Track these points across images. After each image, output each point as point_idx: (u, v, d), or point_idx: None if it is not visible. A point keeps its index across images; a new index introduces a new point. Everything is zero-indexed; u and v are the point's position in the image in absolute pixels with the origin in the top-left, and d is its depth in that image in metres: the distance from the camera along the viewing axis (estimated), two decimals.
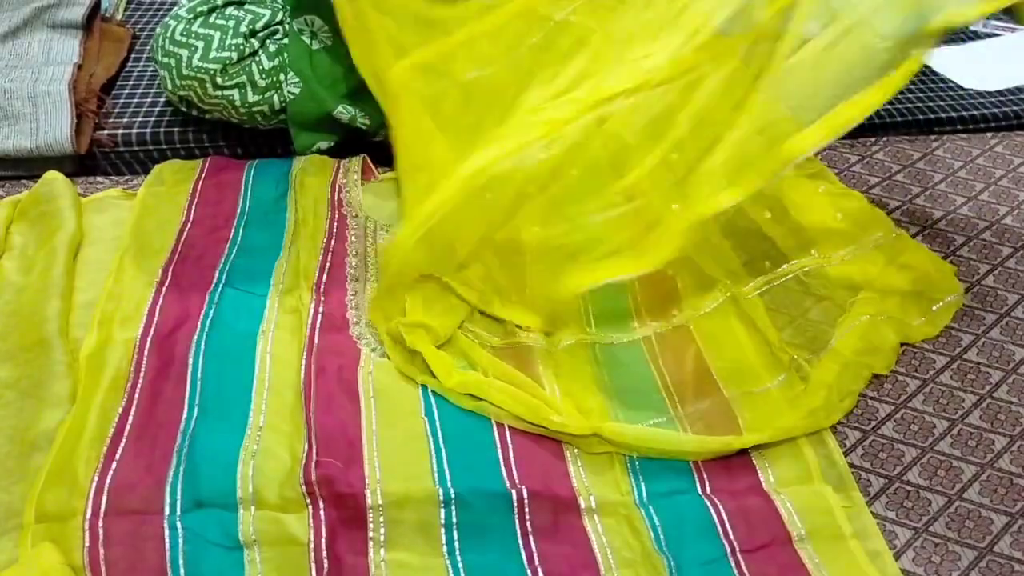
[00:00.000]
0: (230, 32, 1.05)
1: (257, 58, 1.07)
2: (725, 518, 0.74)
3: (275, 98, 1.09)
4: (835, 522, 0.74)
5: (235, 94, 1.06)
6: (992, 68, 1.39)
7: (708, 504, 0.75)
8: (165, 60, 1.05)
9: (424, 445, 0.79)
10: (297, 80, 1.08)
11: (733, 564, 0.71)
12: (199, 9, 1.06)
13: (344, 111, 1.11)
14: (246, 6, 1.08)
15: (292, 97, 1.08)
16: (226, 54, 1.04)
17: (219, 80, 1.04)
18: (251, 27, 1.06)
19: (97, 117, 1.14)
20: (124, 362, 0.85)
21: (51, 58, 1.22)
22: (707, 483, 0.77)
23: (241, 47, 1.05)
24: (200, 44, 1.04)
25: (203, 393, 0.82)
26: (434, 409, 0.83)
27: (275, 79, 1.07)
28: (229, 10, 1.07)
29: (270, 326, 0.90)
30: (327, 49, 1.09)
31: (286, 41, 1.08)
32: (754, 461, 0.79)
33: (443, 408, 0.83)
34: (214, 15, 1.06)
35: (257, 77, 1.07)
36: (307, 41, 1.08)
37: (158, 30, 1.08)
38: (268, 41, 1.08)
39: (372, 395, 0.84)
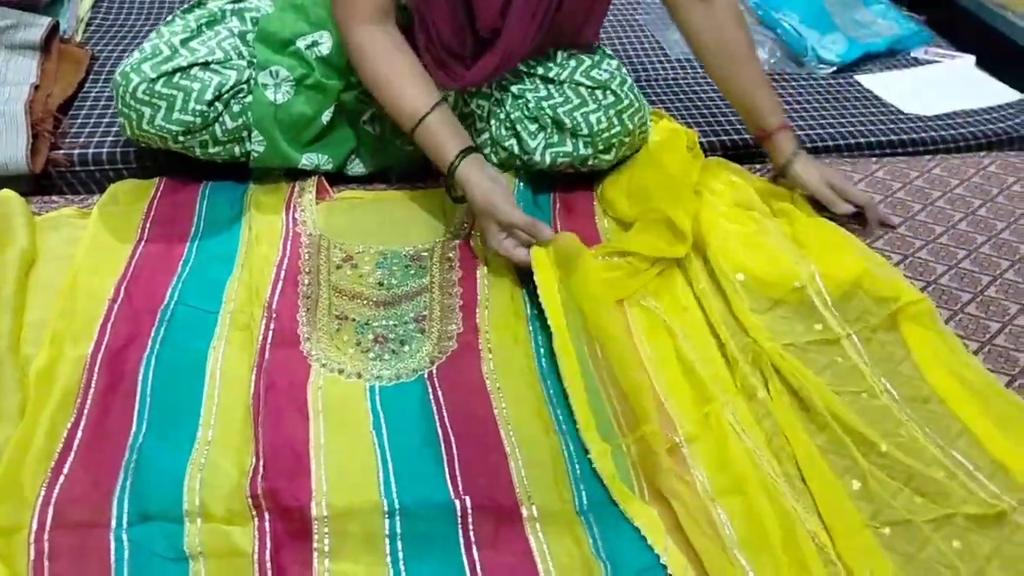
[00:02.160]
0: (194, 96, 1.03)
1: (220, 119, 1.07)
2: (662, 528, 0.76)
3: (236, 150, 1.10)
4: (765, 532, 0.76)
5: (196, 147, 1.08)
6: (932, 94, 1.44)
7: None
8: (126, 111, 1.05)
9: (371, 458, 0.81)
10: (261, 139, 1.09)
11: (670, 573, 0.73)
12: (163, 68, 1.03)
13: (308, 162, 1.13)
14: (212, 66, 1.05)
15: (257, 155, 1.10)
16: (189, 118, 1.04)
17: (180, 139, 1.06)
18: (217, 92, 1.05)
19: (53, 137, 1.15)
20: (74, 378, 0.85)
21: (8, 78, 1.23)
22: (645, 492, 0.79)
23: (205, 113, 1.05)
24: (163, 104, 1.04)
25: (152, 408, 0.83)
26: (382, 424, 0.84)
27: (238, 135, 1.09)
28: (195, 71, 1.04)
29: (221, 342, 0.91)
30: (290, 102, 1.09)
31: (249, 99, 1.08)
32: (691, 468, 0.81)
33: (391, 423, 0.85)
34: (178, 75, 1.04)
35: (219, 135, 1.08)
36: (271, 96, 1.08)
37: (117, 77, 1.04)
38: (232, 101, 1.07)
39: (321, 410, 0.85)
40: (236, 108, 1.07)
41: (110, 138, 1.17)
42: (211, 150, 1.08)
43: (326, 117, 1.11)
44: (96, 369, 0.86)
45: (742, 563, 0.74)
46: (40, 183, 1.14)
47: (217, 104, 1.05)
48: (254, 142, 1.09)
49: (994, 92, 1.47)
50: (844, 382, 0.91)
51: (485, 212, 1.00)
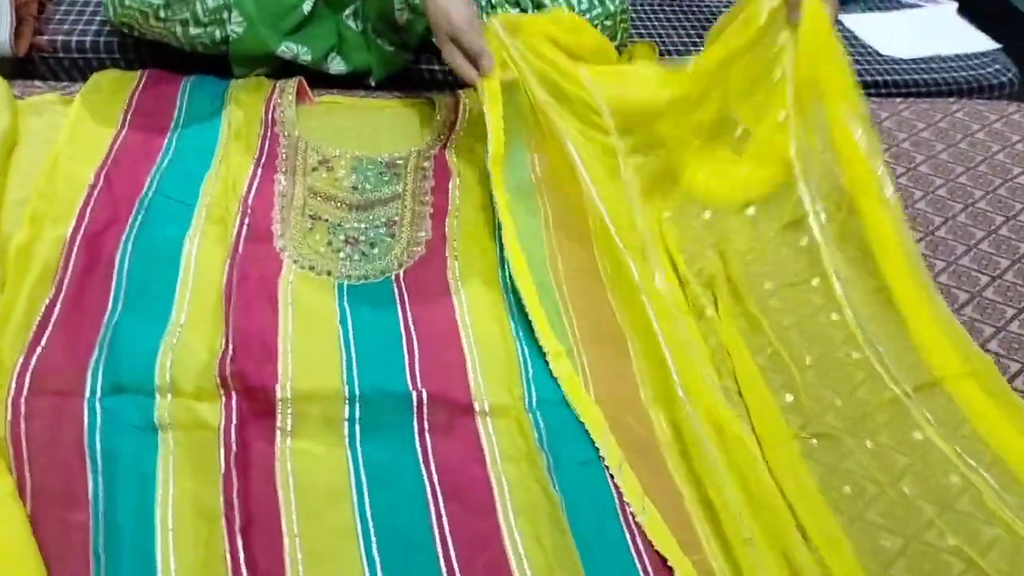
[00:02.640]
0: None
1: None
2: (605, 426, 0.81)
3: (217, 32, 1.12)
4: (698, 435, 0.82)
5: (176, 27, 1.09)
6: (909, 38, 1.46)
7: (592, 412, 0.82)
8: None
9: (335, 350, 0.85)
10: (241, 20, 1.10)
11: (606, 466, 0.79)
12: None
13: (287, 49, 1.14)
14: None
15: (235, 36, 1.11)
16: None
17: (161, 14, 1.07)
18: None
19: (37, 22, 1.16)
20: (53, 257, 0.88)
21: None
22: (592, 394, 0.85)
23: None
24: None
25: (128, 290, 0.87)
26: (348, 319, 0.89)
27: (218, 16, 1.10)
28: None
29: (196, 233, 0.94)
30: None
31: None
32: (636, 376, 0.86)
33: (356, 318, 0.89)
34: None
35: (200, 15, 1.09)
36: None
37: None
38: None
39: (290, 302, 0.89)
40: None
41: (94, 27, 1.18)
42: (192, 31, 1.09)
43: (307, 6, 1.13)
44: (75, 250, 0.89)
45: (673, 460, 0.80)
46: (23, 68, 1.15)
47: None
48: (233, 23, 1.10)
49: (971, 40, 1.49)
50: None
51: (438, 16, 1.00)
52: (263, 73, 1.17)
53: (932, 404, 0.85)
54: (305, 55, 1.15)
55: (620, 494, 0.76)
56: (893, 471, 0.81)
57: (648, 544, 0.73)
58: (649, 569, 0.72)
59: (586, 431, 0.81)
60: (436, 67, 1.28)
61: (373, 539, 0.72)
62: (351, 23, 1.19)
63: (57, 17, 1.19)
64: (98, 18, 1.20)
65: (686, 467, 0.80)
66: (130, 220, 0.94)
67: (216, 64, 1.17)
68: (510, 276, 0.95)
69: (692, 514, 0.77)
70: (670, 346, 0.87)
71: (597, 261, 0.98)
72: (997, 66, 1.45)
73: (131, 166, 1.01)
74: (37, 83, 1.15)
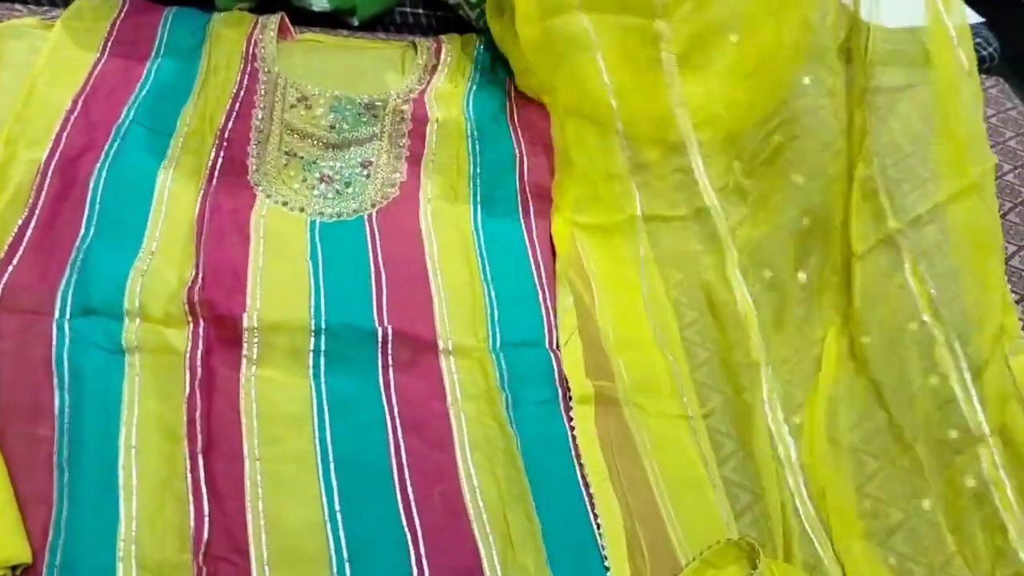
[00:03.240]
0: None
1: None
2: (563, 368, 0.84)
3: None
4: (656, 379, 0.84)
5: None
6: (893, 7, 1.46)
7: (552, 356, 0.85)
8: None
9: (305, 283, 0.86)
10: None
11: (562, 407, 0.81)
12: None
13: None
14: None
15: None
16: None
17: None
18: None
19: None
20: (27, 180, 0.89)
21: None
22: (555, 338, 0.87)
23: None
24: None
25: (101, 216, 0.88)
26: (319, 255, 0.90)
27: None
28: None
29: (172, 163, 0.95)
30: None
31: None
32: (599, 323, 0.89)
33: (327, 255, 0.90)
34: None
35: None
36: None
37: None
38: None
39: (262, 236, 0.90)
40: None
41: None
42: None
43: None
44: (49, 174, 0.90)
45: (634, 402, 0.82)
46: None
47: None
48: None
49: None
50: None
51: None
52: (246, 7, 1.16)
53: None
54: None
55: (574, 434, 0.79)
56: None
57: None
58: (597, 503, 0.75)
59: (545, 374, 0.83)
60: (420, 10, 1.28)
61: (332, 465, 0.74)
62: None
63: None
64: None
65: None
66: (106, 147, 0.94)
67: None
68: (481, 220, 0.96)
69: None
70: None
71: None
72: (978, 40, 1.46)
73: (109, 94, 1.01)
74: (18, 7, 1.14)
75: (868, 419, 0.87)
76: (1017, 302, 1.02)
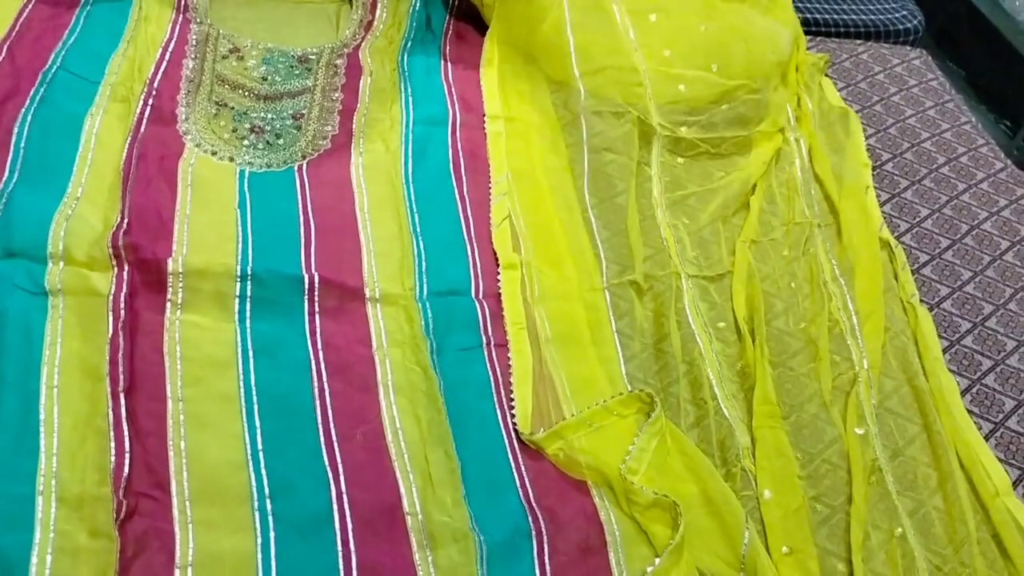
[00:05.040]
0: None
1: None
2: (488, 318, 0.86)
3: None
4: (578, 331, 0.87)
5: None
6: None
7: (477, 305, 0.87)
8: None
9: (232, 231, 0.87)
10: None
11: (486, 354, 0.83)
12: None
13: None
14: None
15: None
16: None
17: None
18: None
19: None
20: None
21: None
22: (481, 288, 0.89)
23: None
24: None
25: (25, 161, 0.87)
26: (247, 204, 0.91)
27: None
28: None
29: (99, 110, 0.94)
30: None
31: None
32: (524, 274, 0.91)
33: (256, 204, 0.91)
34: None
35: None
36: None
37: None
38: None
39: (190, 184, 0.91)
40: None
41: None
42: None
43: None
44: None
45: (552, 354, 0.85)
46: None
47: None
48: None
49: None
50: None
51: None
52: None
53: None
54: None
55: (496, 378, 0.81)
56: None
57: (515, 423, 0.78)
58: (516, 446, 0.77)
59: (469, 322, 0.85)
60: None
61: (256, 406, 0.75)
62: None
63: None
64: None
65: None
66: (31, 93, 0.94)
67: None
68: (411, 172, 0.98)
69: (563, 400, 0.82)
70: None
71: None
72: (905, 12, 1.51)
73: (36, 40, 1.00)
74: None
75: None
76: (927, 262, 1.07)
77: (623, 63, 1.12)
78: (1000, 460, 0.86)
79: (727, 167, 1.10)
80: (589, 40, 1.12)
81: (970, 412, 0.90)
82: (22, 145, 0.88)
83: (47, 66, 0.97)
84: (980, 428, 0.89)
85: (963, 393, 0.92)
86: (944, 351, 0.95)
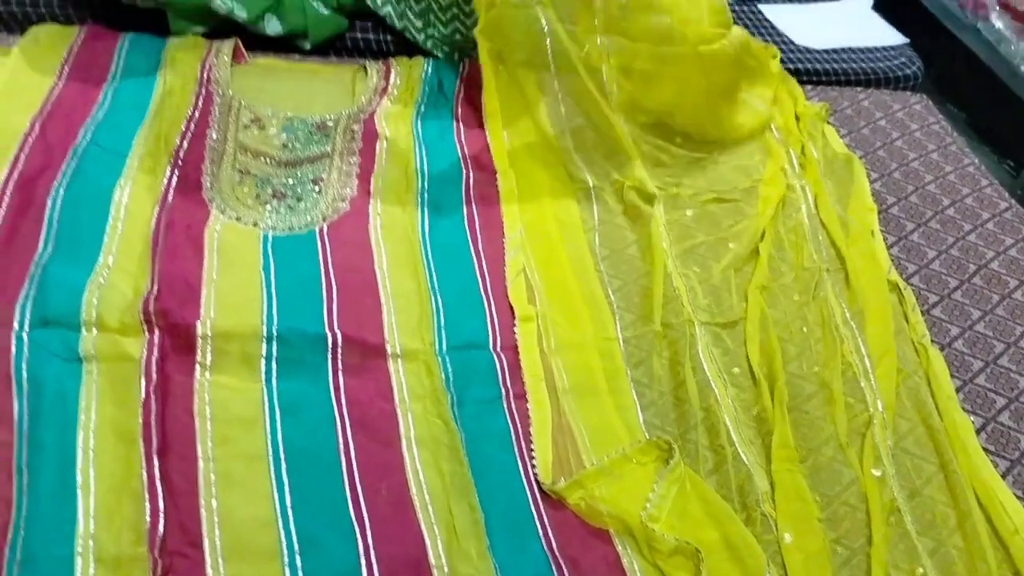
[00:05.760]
0: None
1: None
2: (506, 370, 0.88)
3: None
4: (595, 380, 0.89)
5: None
6: (824, 30, 1.55)
7: (495, 358, 0.89)
8: None
9: (257, 293, 0.90)
10: None
11: (505, 405, 0.85)
12: None
13: (222, 4, 1.18)
14: None
15: None
16: None
17: None
18: None
19: None
20: None
21: None
22: (498, 341, 0.91)
23: None
24: None
25: (58, 233, 0.91)
26: (271, 266, 0.94)
27: None
28: None
29: (127, 182, 0.98)
30: None
31: None
32: (540, 325, 0.93)
33: (279, 266, 0.94)
34: None
35: None
36: None
37: None
38: None
39: (215, 249, 0.94)
40: None
41: None
42: None
43: None
44: (8, 193, 0.93)
45: (570, 404, 0.87)
46: None
47: None
48: None
49: (882, 34, 1.58)
50: None
51: None
52: (200, 33, 1.20)
53: None
54: (240, 11, 1.19)
55: (516, 429, 0.83)
56: None
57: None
58: (538, 495, 0.79)
59: (488, 374, 0.87)
60: (370, 35, 1.33)
61: (283, 463, 0.77)
62: None
63: None
64: None
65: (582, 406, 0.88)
66: (63, 167, 0.98)
67: (154, 23, 1.20)
68: (428, 231, 1.01)
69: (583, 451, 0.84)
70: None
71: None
72: (903, 59, 1.54)
73: (66, 116, 1.04)
74: None
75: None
76: (936, 303, 1.08)
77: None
78: (1018, 498, 0.86)
79: (735, 215, 1.13)
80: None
81: (986, 450, 0.91)
82: (55, 218, 0.92)
83: (77, 141, 1.01)
84: (997, 466, 0.89)
85: (978, 432, 0.93)
86: (957, 390, 0.96)
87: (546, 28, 1.17)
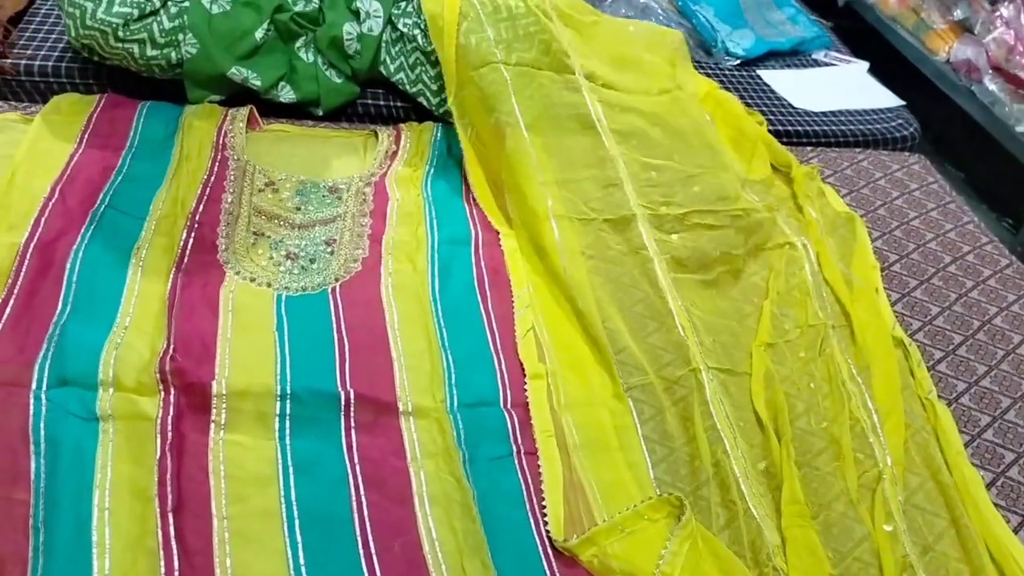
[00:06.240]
0: None
1: (158, 17, 1.16)
2: (517, 427, 0.89)
3: (172, 54, 1.19)
4: (605, 437, 0.90)
5: (135, 48, 1.17)
6: (822, 93, 1.59)
7: (506, 415, 0.90)
8: (70, 10, 1.13)
9: (271, 353, 0.91)
10: (195, 41, 1.19)
11: (516, 463, 0.86)
12: None
13: (237, 72, 1.22)
14: None
15: (189, 56, 1.20)
16: (128, 9, 1.13)
17: (120, 34, 1.14)
18: None
19: (2, 46, 1.23)
20: (7, 262, 0.94)
21: None
22: (508, 398, 0.92)
23: (142, 5, 1.14)
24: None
25: (77, 294, 0.93)
26: (285, 326, 0.95)
27: (174, 38, 1.18)
28: None
29: (145, 244, 1.01)
30: (225, 14, 1.20)
31: (187, 3, 1.18)
32: (550, 382, 0.94)
33: (292, 326, 0.95)
34: None
35: (157, 35, 1.17)
36: (207, 5, 1.19)
37: None
38: (170, 2, 1.17)
39: (230, 310, 0.96)
40: (174, 10, 1.17)
41: (56, 52, 1.25)
42: (149, 52, 1.17)
43: (259, 34, 1.21)
44: (28, 256, 0.95)
45: (581, 460, 0.87)
46: None
47: (155, 0, 1.15)
48: (188, 44, 1.18)
49: (878, 96, 1.63)
50: None
51: None
52: (216, 101, 1.24)
53: None
54: (255, 80, 1.23)
55: (527, 486, 0.84)
56: None
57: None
58: (550, 553, 0.79)
59: (499, 431, 0.88)
60: (381, 102, 1.37)
61: (297, 522, 0.78)
62: (302, 54, 1.28)
63: (21, 42, 1.26)
64: (61, 44, 1.27)
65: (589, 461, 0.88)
66: (82, 231, 1.00)
67: (171, 91, 1.24)
68: (438, 291, 1.03)
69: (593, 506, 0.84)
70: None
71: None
72: (900, 121, 1.58)
73: (86, 182, 1.07)
74: None
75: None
76: (941, 359, 1.09)
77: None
78: None
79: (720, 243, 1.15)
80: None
81: (997, 505, 0.91)
82: (74, 280, 0.94)
83: (96, 205, 1.04)
84: (1008, 521, 0.90)
85: (988, 486, 0.93)
86: (966, 445, 0.97)
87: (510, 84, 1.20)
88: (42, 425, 0.79)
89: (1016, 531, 0.89)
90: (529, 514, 0.82)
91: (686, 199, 1.17)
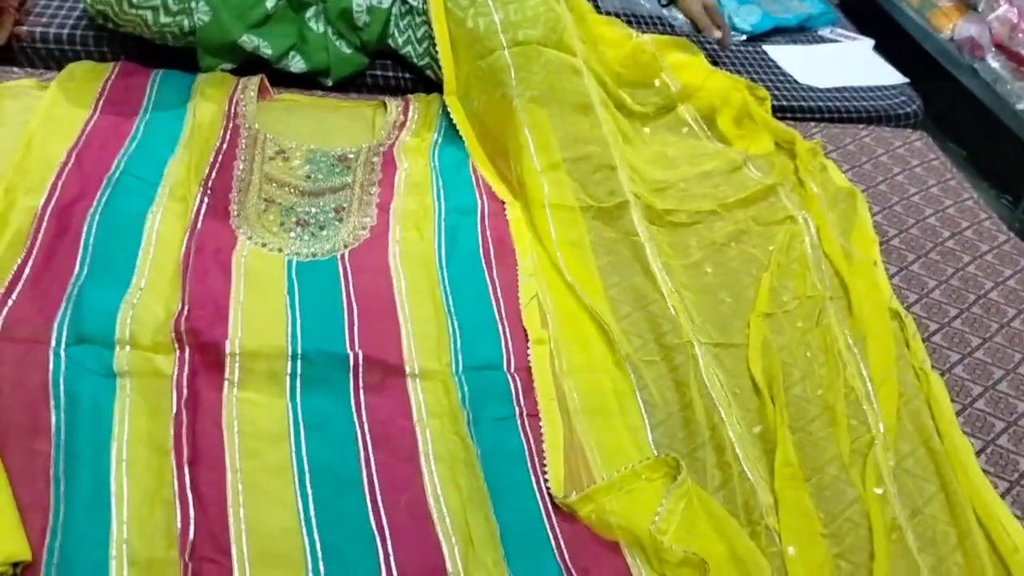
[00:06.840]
0: None
1: None
2: (520, 390, 0.92)
3: (185, 22, 1.21)
4: (605, 401, 0.92)
5: (148, 14, 1.19)
6: (827, 69, 1.60)
7: (509, 378, 0.93)
8: None
9: (282, 314, 0.94)
10: (207, 9, 1.21)
11: (519, 424, 0.89)
12: None
13: (248, 40, 1.24)
14: None
15: (201, 24, 1.21)
16: None
17: (134, 0, 1.16)
18: None
19: (19, 13, 1.24)
20: (25, 225, 0.97)
21: None
22: (512, 362, 0.95)
23: None
24: None
25: (93, 256, 0.95)
26: (295, 289, 0.98)
27: (187, 5, 1.20)
28: None
29: (159, 209, 1.03)
30: None
31: None
32: (552, 349, 0.97)
33: (303, 290, 0.98)
34: None
35: (170, 2, 1.19)
36: None
37: None
38: None
39: (243, 273, 0.98)
40: None
41: (71, 20, 1.27)
42: (162, 19, 1.19)
43: (271, 3, 1.24)
44: (46, 219, 0.97)
45: (581, 423, 0.90)
46: (2, 55, 1.23)
47: None
48: (200, 12, 1.20)
49: (883, 73, 1.64)
50: None
51: None
52: (228, 69, 1.26)
53: None
54: (266, 48, 1.25)
55: (529, 446, 0.87)
56: None
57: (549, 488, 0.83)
58: (550, 508, 0.82)
59: (503, 394, 0.91)
60: (389, 73, 1.39)
61: (307, 477, 0.81)
62: (312, 24, 1.30)
63: (37, 9, 1.28)
64: (76, 12, 1.29)
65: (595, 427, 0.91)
66: (98, 195, 1.03)
67: (184, 60, 1.26)
68: (444, 258, 1.05)
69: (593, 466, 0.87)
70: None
71: None
72: (904, 98, 1.59)
73: (101, 147, 1.09)
74: (15, 69, 1.23)
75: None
76: (936, 330, 1.12)
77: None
78: (1017, 517, 0.89)
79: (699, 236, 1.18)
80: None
81: (985, 472, 0.93)
82: (90, 242, 0.97)
83: (111, 171, 1.06)
84: (996, 487, 0.92)
85: (978, 454, 0.96)
86: (957, 414, 0.99)
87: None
88: (61, 380, 0.82)
89: (1004, 496, 0.91)
90: (531, 472, 0.85)
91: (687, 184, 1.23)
